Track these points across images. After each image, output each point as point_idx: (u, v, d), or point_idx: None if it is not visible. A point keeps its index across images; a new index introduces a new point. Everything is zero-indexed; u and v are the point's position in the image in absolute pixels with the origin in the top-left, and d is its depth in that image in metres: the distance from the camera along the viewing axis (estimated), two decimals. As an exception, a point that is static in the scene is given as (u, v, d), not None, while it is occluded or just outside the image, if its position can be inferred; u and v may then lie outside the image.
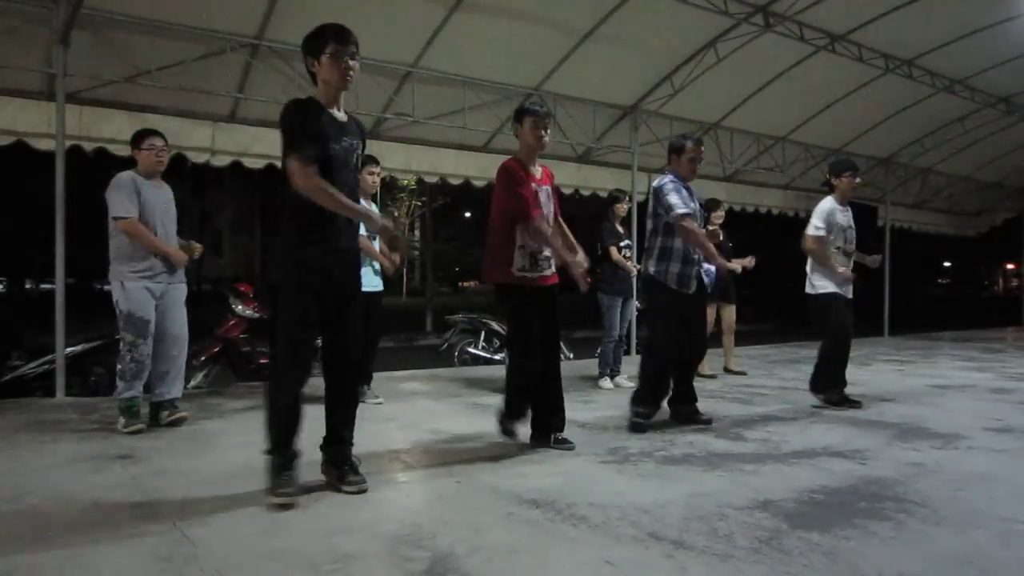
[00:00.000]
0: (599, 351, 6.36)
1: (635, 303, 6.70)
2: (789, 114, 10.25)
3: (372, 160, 5.41)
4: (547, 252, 3.86)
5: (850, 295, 5.23)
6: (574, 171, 9.49)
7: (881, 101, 10.16)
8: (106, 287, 4.47)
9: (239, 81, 6.82)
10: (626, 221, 6.75)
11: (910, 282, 30.26)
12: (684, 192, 4.43)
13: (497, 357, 8.40)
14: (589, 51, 7.79)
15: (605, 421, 4.66)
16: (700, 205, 4.71)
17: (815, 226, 5.14)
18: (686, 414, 4.62)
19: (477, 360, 8.58)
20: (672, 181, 4.46)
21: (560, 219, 4.07)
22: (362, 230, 5.13)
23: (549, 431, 3.95)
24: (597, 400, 5.46)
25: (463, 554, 2.40)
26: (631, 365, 5.79)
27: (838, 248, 5.15)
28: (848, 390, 5.34)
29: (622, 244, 6.22)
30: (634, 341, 8.68)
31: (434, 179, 8.98)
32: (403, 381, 6.61)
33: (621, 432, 4.35)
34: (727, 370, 7.18)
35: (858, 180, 5.25)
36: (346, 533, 2.59)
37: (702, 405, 4.72)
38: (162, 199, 4.44)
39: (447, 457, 3.74)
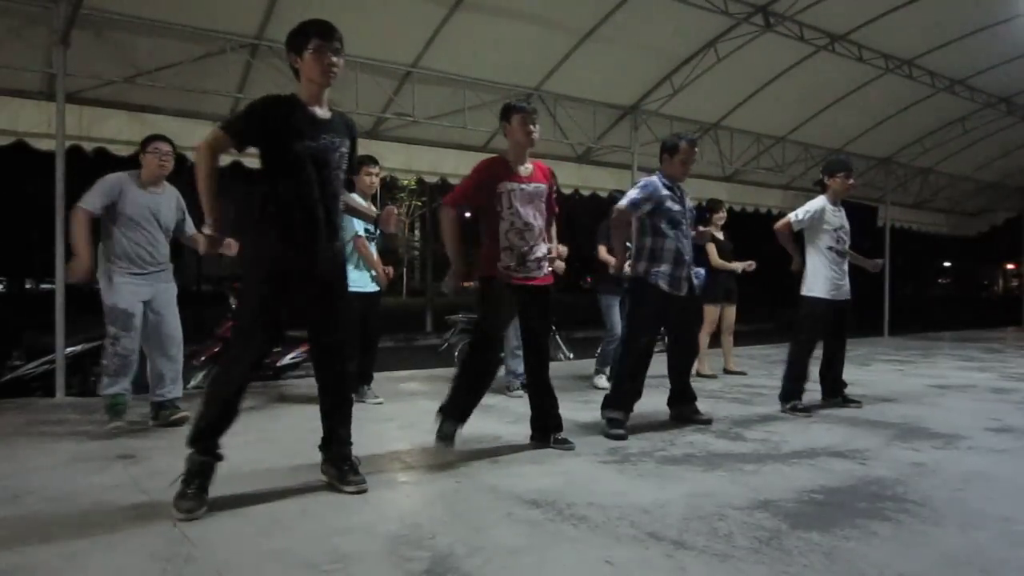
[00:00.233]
0: (599, 350, 6.35)
1: None
2: (789, 114, 10.26)
3: (371, 160, 5.39)
4: (540, 254, 3.80)
5: (846, 297, 5.16)
6: (574, 171, 9.50)
7: (881, 101, 10.17)
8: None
9: (239, 81, 6.83)
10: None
11: (909, 282, 30.25)
12: (658, 194, 4.33)
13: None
14: (589, 51, 7.80)
15: (605, 421, 4.65)
16: (693, 206, 4.64)
17: (795, 213, 5.14)
18: (686, 414, 4.62)
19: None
20: (646, 185, 4.36)
21: (554, 217, 3.99)
22: (359, 230, 5.13)
23: (548, 431, 3.94)
24: (597, 400, 5.44)
25: (463, 554, 2.40)
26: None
27: (830, 248, 5.09)
28: (848, 390, 5.35)
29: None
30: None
31: (434, 179, 8.99)
32: (403, 381, 6.60)
33: (621, 432, 4.34)
34: (727, 370, 7.17)
35: (851, 181, 5.20)
36: (346, 533, 2.59)
37: (702, 405, 4.72)
38: (158, 204, 4.39)
39: (447, 457, 3.73)
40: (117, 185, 4.26)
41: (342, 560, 2.35)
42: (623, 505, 2.92)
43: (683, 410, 4.64)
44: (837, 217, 5.16)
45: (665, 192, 4.38)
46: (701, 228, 4.61)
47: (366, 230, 5.19)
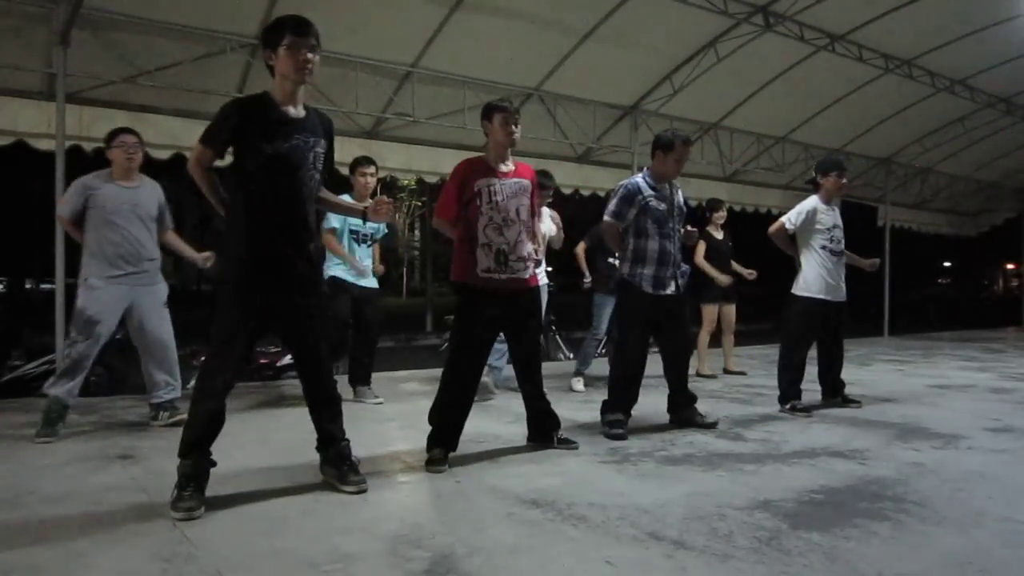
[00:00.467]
0: (582, 349, 6.30)
1: None
2: (789, 114, 10.26)
3: (366, 160, 5.34)
4: (525, 252, 3.68)
5: (841, 298, 5.12)
6: (574, 171, 9.49)
7: (881, 101, 10.17)
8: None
9: (239, 81, 6.82)
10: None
11: (909, 281, 30.23)
12: (640, 197, 4.29)
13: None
14: (589, 51, 7.79)
15: (605, 421, 4.65)
16: (683, 202, 4.55)
17: (788, 217, 5.13)
18: (687, 418, 4.53)
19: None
20: (629, 187, 4.33)
21: (535, 215, 3.90)
22: (335, 223, 5.10)
23: (547, 433, 3.94)
24: (597, 400, 5.44)
25: (463, 554, 2.40)
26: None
27: (824, 247, 5.06)
28: (848, 390, 5.34)
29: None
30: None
31: (434, 179, 8.98)
32: (403, 381, 6.60)
33: (621, 432, 4.34)
34: (727, 370, 7.17)
35: (844, 180, 5.17)
36: (346, 533, 2.59)
37: (702, 405, 4.68)
38: (136, 197, 4.30)
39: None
40: (85, 186, 4.20)
41: (342, 560, 2.35)
42: (623, 505, 2.92)
43: (684, 414, 4.55)
44: (830, 216, 5.12)
45: (648, 192, 4.32)
46: (689, 228, 4.50)
47: (352, 230, 5.16)
